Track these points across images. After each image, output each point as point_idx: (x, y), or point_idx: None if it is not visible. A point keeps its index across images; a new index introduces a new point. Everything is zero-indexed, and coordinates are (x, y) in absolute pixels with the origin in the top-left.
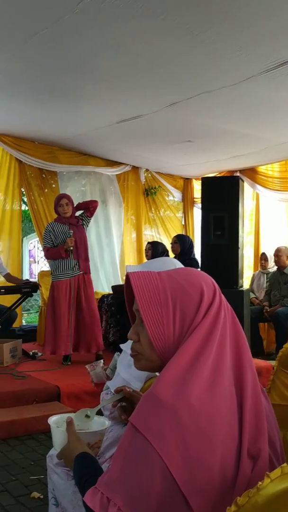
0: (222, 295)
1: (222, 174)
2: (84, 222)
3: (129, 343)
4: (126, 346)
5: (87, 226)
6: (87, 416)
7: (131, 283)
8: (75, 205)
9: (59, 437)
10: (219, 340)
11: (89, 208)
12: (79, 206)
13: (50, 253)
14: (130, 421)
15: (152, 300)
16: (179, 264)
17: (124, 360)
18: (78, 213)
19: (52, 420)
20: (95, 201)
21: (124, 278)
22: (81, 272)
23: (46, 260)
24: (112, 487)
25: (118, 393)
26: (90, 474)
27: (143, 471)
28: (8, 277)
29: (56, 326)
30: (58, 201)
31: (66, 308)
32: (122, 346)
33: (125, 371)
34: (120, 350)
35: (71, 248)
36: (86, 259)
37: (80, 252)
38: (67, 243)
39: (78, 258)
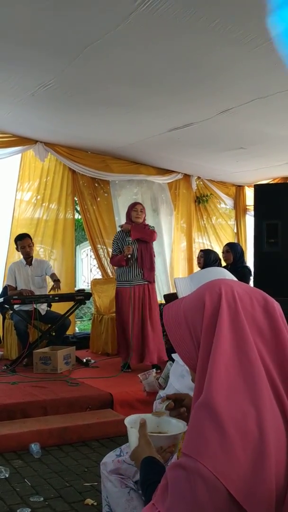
0: (237, 298)
1: (275, 181)
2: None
3: None
4: (178, 357)
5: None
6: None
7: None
8: (138, 229)
9: (132, 438)
10: (238, 340)
11: (151, 239)
12: (143, 235)
13: (114, 261)
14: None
15: (174, 325)
16: (227, 274)
17: (176, 370)
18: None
19: (127, 420)
20: (156, 234)
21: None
22: (146, 282)
23: (98, 268)
24: (169, 506)
25: (164, 401)
26: (152, 480)
27: (199, 490)
28: (53, 277)
29: (125, 333)
30: (133, 206)
31: (128, 315)
32: (174, 356)
33: (178, 382)
34: (173, 359)
35: (129, 255)
36: (151, 269)
37: (145, 261)
38: (125, 251)
39: (143, 266)
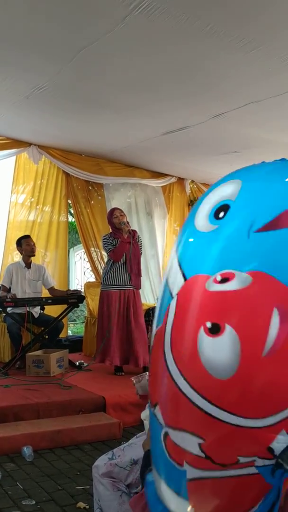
0: None
1: None
2: (139, 240)
3: None
4: None
5: (141, 246)
6: None
7: None
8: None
9: (146, 431)
10: None
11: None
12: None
13: (116, 252)
14: None
15: None
16: None
17: None
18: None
19: (143, 414)
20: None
21: None
22: (132, 287)
23: (92, 271)
24: None
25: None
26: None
27: None
28: (51, 291)
29: (104, 335)
30: (112, 213)
31: (115, 319)
32: None
33: None
34: None
35: (129, 230)
36: (138, 274)
37: (133, 266)
38: (124, 228)
39: (131, 271)
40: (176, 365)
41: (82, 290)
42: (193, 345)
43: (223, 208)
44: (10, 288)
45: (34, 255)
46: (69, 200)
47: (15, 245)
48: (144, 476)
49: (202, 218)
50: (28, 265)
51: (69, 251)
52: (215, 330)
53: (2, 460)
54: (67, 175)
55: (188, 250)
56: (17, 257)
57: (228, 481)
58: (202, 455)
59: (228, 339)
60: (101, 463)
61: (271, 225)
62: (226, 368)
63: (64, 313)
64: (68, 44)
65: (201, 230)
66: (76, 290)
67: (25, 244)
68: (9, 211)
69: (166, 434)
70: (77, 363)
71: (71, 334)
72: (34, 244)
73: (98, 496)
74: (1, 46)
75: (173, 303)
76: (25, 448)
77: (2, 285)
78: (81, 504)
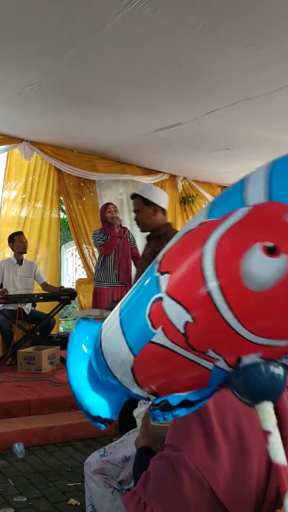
0: None
1: None
2: (130, 237)
3: None
4: None
5: (133, 243)
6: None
7: None
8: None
9: (138, 428)
10: None
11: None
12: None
13: (107, 246)
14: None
15: None
16: None
17: None
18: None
19: (135, 411)
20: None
21: None
22: (123, 285)
23: (83, 268)
24: (151, 493)
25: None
26: (141, 470)
27: (184, 481)
28: (44, 286)
29: None
30: (106, 208)
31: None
32: None
33: None
34: None
35: (121, 224)
36: (128, 271)
37: (122, 263)
38: (116, 223)
39: (119, 268)
40: (213, 262)
41: (74, 287)
42: (241, 254)
43: None
44: (1, 284)
45: (26, 252)
46: (61, 197)
47: (6, 242)
48: (136, 473)
49: None
50: (20, 261)
51: (60, 248)
52: (272, 252)
53: None
54: (59, 171)
55: None
56: (9, 253)
57: (183, 360)
58: (182, 331)
59: (278, 263)
60: (93, 460)
61: None
62: (261, 283)
63: (56, 310)
64: (60, 40)
65: None
66: (70, 289)
67: (17, 241)
68: (0, 207)
69: (159, 298)
70: None
71: (62, 330)
72: (26, 241)
73: (90, 492)
74: None
75: (245, 209)
76: (16, 445)
77: None
78: (72, 501)
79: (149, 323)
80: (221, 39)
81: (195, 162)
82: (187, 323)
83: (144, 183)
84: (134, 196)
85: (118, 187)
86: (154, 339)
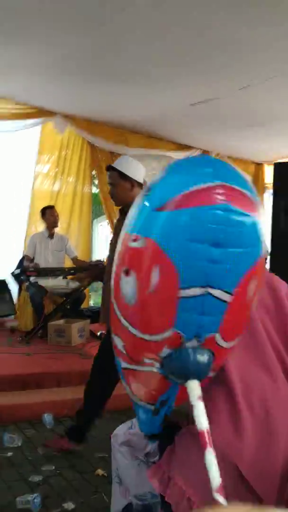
0: None
1: None
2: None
3: None
4: None
5: None
6: None
7: None
8: None
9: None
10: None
11: None
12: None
13: None
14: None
15: None
16: None
17: None
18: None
19: None
20: None
21: None
22: None
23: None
24: (175, 467)
25: None
26: (166, 445)
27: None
28: (75, 260)
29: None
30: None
31: None
32: None
33: None
34: None
35: None
36: None
37: None
38: None
39: None
40: (113, 296)
41: (104, 261)
42: (118, 281)
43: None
44: (33, 258)
45: (57, 226)
46: (93, 172)
47: (38, 215)
48: (161, 447)
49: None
50: (51, 235)
51: (92, 222)
52: (126, 273)
53: (23, 426)
54: (91, 145)
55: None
56: (41, 227)
57: (143, 373)
58: (125, 353)
59: (131, 279)
60: (120, 432)
61: (162, 208)
62: (130, 297)
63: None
64: (93, 13)
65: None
66: (99, 261)
67: (48, 215)
68: (33, 181)
69: (113, 338)
70: (98, 334)
71: (92, 304)
72: (57, 215)
73: (116, 464)
74: (27, 18)
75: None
76: (45, 415)
77: (25, 255)
78: (99, 471)
79: (116, 357)
80: (258, 15)
81: (228, 138)
82: (123, 346)
83: (176, 159)
84: (110, 169)
85: (151, 162)
86: (122, 366)
